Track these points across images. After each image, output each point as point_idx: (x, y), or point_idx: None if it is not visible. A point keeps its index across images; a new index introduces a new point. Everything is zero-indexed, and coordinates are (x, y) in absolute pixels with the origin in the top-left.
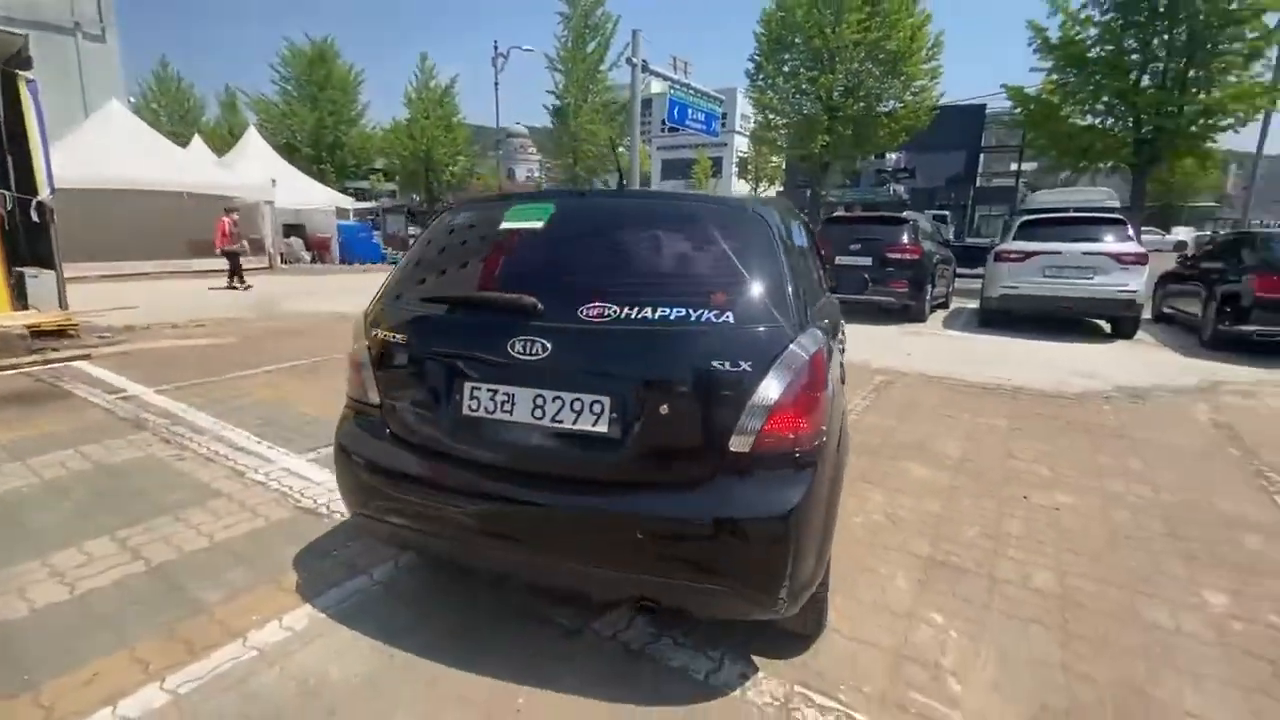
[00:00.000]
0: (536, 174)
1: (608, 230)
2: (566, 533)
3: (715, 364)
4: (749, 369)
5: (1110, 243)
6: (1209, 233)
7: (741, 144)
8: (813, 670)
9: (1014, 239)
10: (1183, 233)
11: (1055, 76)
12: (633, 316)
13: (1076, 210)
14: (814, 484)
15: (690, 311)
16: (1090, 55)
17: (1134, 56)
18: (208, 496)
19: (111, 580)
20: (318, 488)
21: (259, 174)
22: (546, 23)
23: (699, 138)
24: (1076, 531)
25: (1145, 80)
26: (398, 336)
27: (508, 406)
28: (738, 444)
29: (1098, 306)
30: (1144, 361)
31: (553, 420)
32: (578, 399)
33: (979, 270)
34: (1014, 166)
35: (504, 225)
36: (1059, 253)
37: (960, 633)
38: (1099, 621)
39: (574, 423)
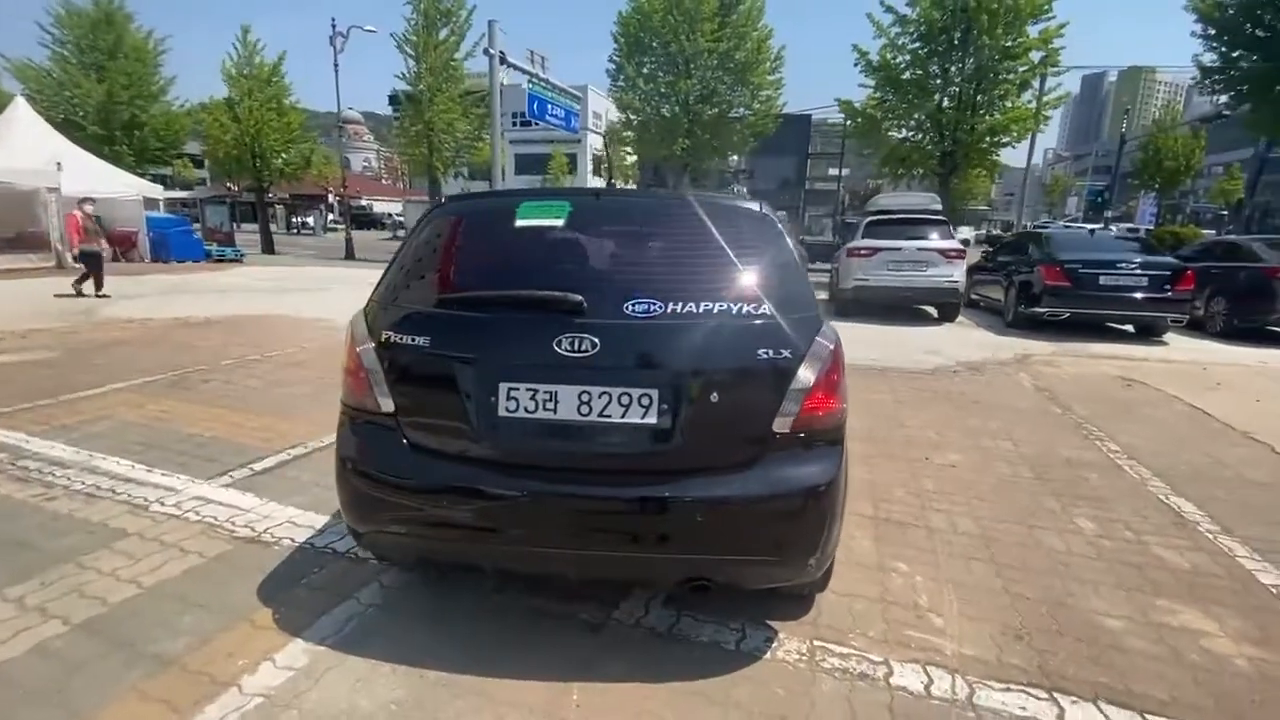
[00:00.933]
0: (373, 163)
1: (636, 229)
2: (625, 523)
3: (761, 353)
4: (789, 355)
5: (937, 240)
6: (984, 231)
7: (596, 142)
8: (823, 626)
9: (862, 237)
10: (965, 232)
11: (877, 94)
12: (678, 311)
13: (910, 212)
14: (842, 457)
15: (731, 305)
16: (904, 78)
17: (937, 81)
18: (111, 538)
19: (27, 647)
20: (250, 514)
21: (36, 155)
22: (390, 3)
23: (553, 133)
24: (974, 482)
25: (946, 102)
26: (417, 339)
27: (550, 405)
28: (780, 425)
29: (931, 295)
30: (970, 340)
31: (600, 415)
32: (626, 393)
33: (818, 265)
34: (833, 171)
35: (520, 223)
36: (899, 249)
37: (924, 576)
38: (1015, 552)
39: (623, 416)
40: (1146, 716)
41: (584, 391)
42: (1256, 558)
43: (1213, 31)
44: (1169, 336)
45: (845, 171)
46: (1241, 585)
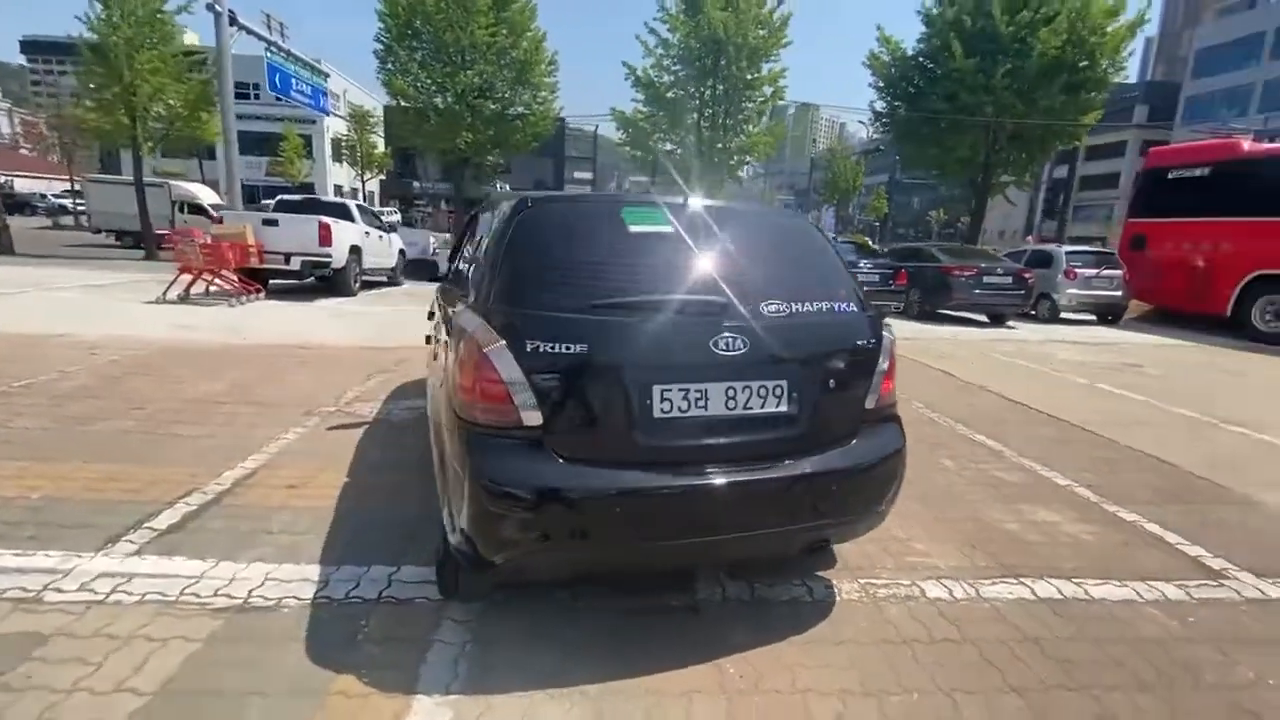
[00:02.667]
0: (3, 129)
1: (742, 235)
2: (780, 503)
3: (859, 343)
4: (874, 344)
5: None
6: None
7: (339, 126)
8: (853, 568)
9: None
10: None
11: (646, 108)
12: (799, 310)
13: None
14: (901, 424)
15: (831, 304)
16: (669, 96)
17: (695, 101)
18: (23, 646)
19: None
20: (208, 581)
21: None
22: None
23: (282, 109)
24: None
25: (704, 122)
26: (574, 347)
27: (701, 403)
28: (870, 403)
29: None
30: None
31: (744, 408)
32: (763, 385)
33: None
34: (579, 175)
35: (633, 229)
36: None
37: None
38: (922, 487)
39: (761, 407)
40: (1073, 580)
41: (730, 387)
42: (1049, 471)
43: (882, 84)
44: (888, 320)
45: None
46: (1052, 490)
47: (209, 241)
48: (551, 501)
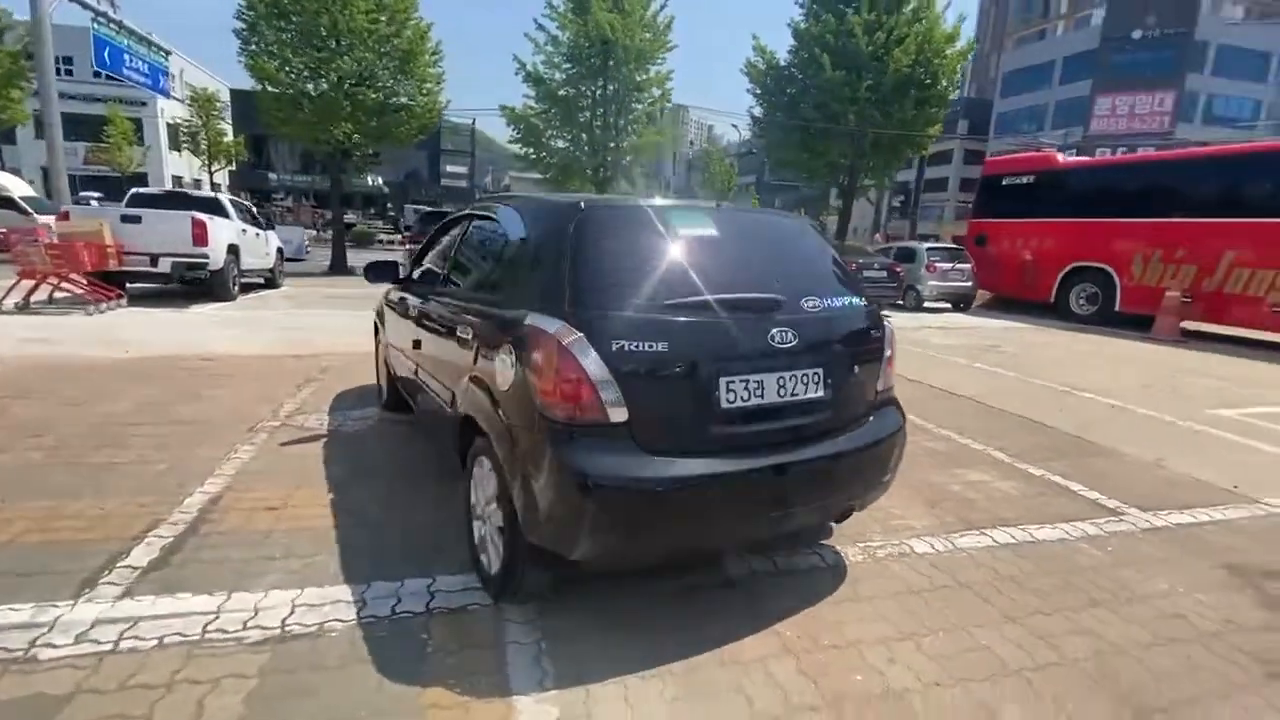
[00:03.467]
0: None
1: (774, 238)
2: (828, 476)
3: (873, 333)
4: (880, 333)
5: None
6: None
7: (177, 109)
8: (850, 535)
9: None
10: None
11: (538, 105)
12: (830, 305)
13: None
14: (900, 405)
15: (849, 298)
16: (561, 94)
17: (587, 100)
18: (45, 710)
19: None
20: (230, 616)
21: None
22: None
23: (104, 87)
24: None
25: (597, 121)
26: (655, 345)
27: (760, 392)
28: (880, 385)
29: None
30: None
31: (790, 395)
32: (804, 373)
33: None
34: (452, 168)
35: (684, 232)
36: None
37: None
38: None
39: (804, 393)
40: (1019, 527)
41: (781, 376)
42: (965, 439)
43: (759, 91)
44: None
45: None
46: (973, 454)
47: (55, 241)
48: (642, 492)
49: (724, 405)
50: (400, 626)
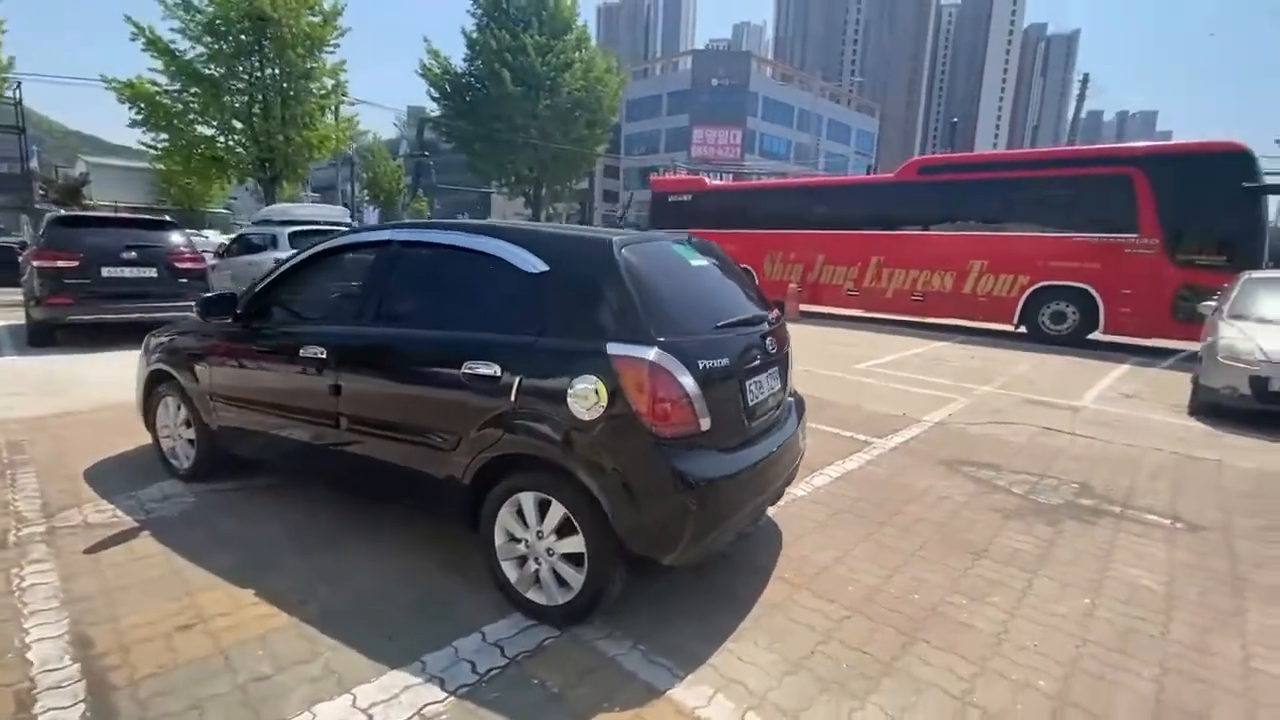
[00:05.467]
0: None
1: (719, 261)
2: (792, 453)
3: (788, 335)
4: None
5: None
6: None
7: None
8: None
9: (292, 246)
10: (212, 235)
11: (176, 84)
12: (774, 317)
13: (332, 223)
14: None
15: (775, 309)
16: (206, 72)
17: (243, 84)
18: None
19: None
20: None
21: None
22: None
23: None
24: None
25: (256, 109)
26: (721, 361)
27: (762, 390)
28: (792, 379)
29: None
30: None
31: (770, 390)
32: (774, 371)
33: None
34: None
35: (694, 262)
36: None
37: None
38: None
39: (776, 388)
40: (826, 469)
41: (769, 375)
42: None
43: (437, 95)
44: None
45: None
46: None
47: None
48: (729, 485)
49: (750, 403)
50: (502, 682)
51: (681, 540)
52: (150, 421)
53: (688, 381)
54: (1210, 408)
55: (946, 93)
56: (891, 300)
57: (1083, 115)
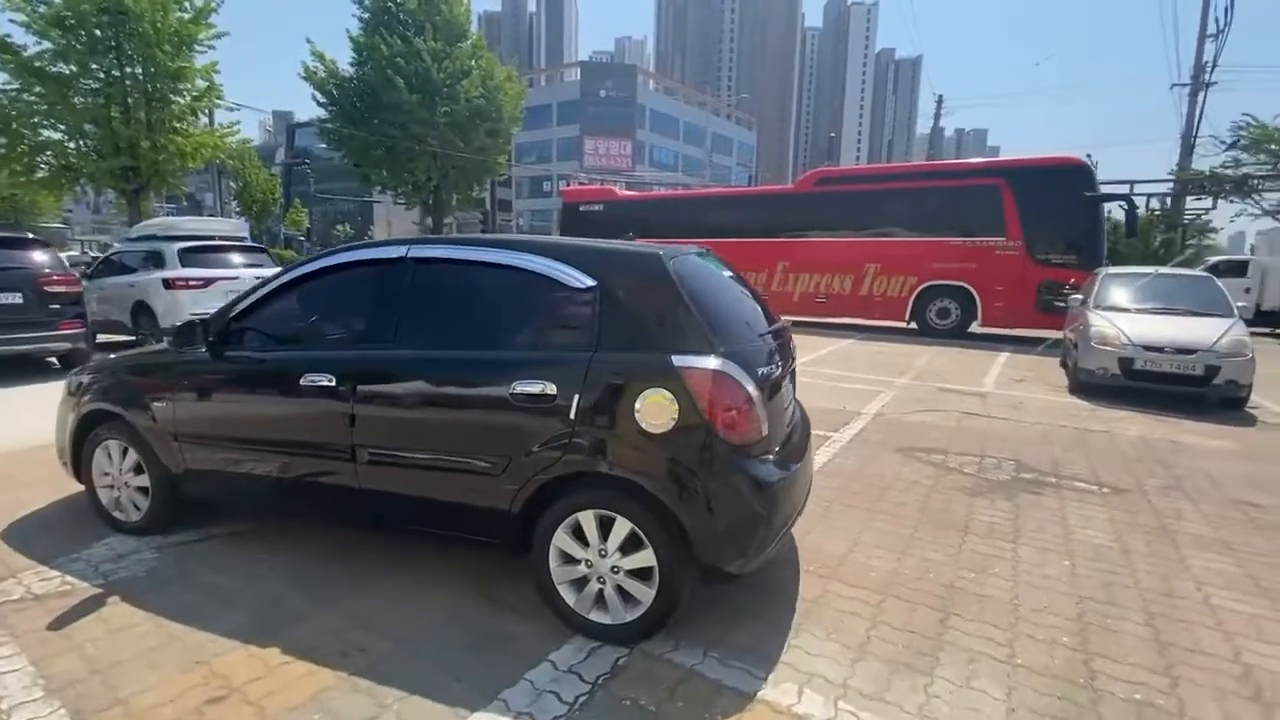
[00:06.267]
0: None
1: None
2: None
3: None
4: None
5: (271, 267)
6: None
7: None
8: None
9: (183, 265)
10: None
11: (15, 83)
12: (786, 326)
13: (228, 238)
14: None
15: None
16: (53, 70)
17: (98, 83)
18: None
19: None
20: None
21: None
22: None
23: None
24: None
25: (116, 112)
26: (772, 368)
27: (787, 396)
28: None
29: None
30: None
31: (789, 396)
32: (790, 376)
33: None
34: None
35: (725, 273)
36: (238, 277)
37: None
38: None
39: (791, 393)
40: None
41: (788, 383)
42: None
43: (323, 100)
44: None
45: None
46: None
47: None
48: (790, 486)
49: (785, 408)
50: (596, 709)
51: (751, 546)
52: (82, 470)
53: (752, 389)
54: (1087, 387)
55: (814, 108)
56: (798, 303)
57: (943, 132)
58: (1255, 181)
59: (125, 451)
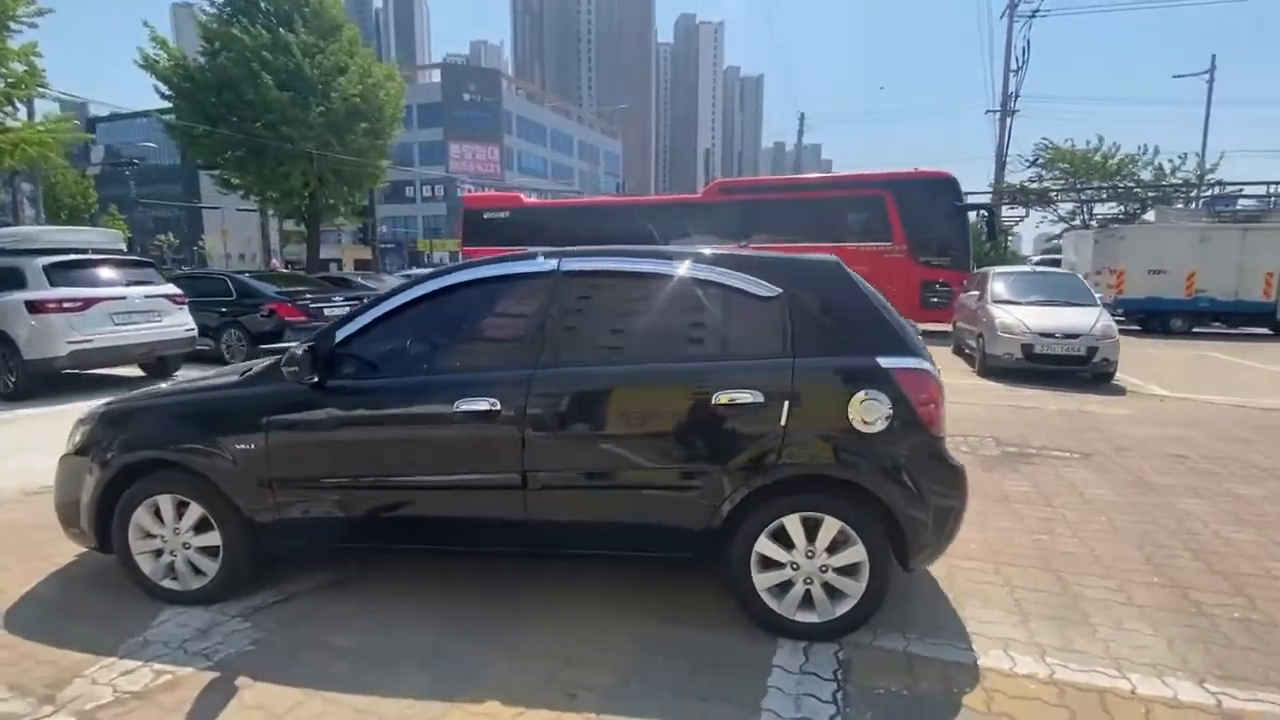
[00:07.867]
0: None
1: None
2: None
3: None
4: None
5: (161, 285)
6: None
7: None
8: None
9: (52, 284)
10: None
11: None
12: None
13: (101, 251)
14: None
15: None
16: None
17: None
18: None
19: None
20: None
21: None
22: None
23: None
24: None
25: None
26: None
27: None
28: None
29: (171, 347)
30: None
31: None
32: None
33: None
34: None
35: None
36: (124, 297)
37: None
38: None
39: None
40: None
41: None
42: None
43: (169, 93)
44: None
45: None
46: None
47: None
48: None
49: None
50: (861, 704)
51: (945, 531)
52: (112, 536)
53: (941, 384)
54: (994, 370)
55: (671, 120)
56: None
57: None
58: (1053, 194)
59: (182, 507)
